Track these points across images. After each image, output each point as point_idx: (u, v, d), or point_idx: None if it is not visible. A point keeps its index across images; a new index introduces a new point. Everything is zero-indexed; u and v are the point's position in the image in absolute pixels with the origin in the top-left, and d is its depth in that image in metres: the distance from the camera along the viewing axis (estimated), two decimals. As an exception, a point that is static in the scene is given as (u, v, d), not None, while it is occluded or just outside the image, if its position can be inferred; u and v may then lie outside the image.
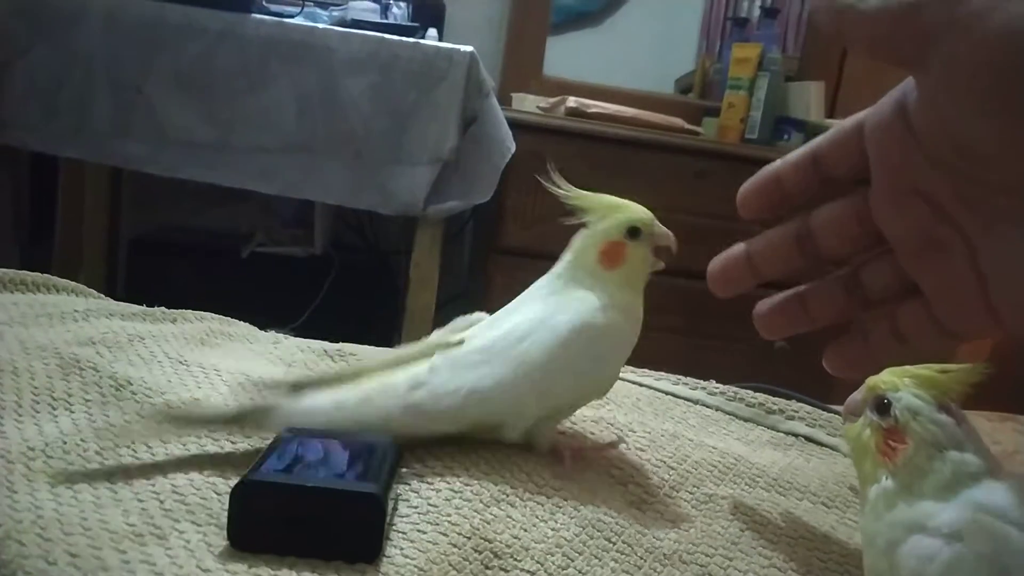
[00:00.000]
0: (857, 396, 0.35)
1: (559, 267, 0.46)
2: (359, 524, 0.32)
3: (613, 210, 0.45)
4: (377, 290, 1.52)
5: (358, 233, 1.77)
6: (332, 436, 0.41)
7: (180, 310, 0.62)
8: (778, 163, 0.38)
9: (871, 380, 0.34)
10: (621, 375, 0.64)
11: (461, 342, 0.44)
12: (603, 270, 0.44)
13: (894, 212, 0.33)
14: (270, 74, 1.28)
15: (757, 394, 0.58)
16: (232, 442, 0.41)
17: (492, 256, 1.48)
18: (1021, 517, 0.28)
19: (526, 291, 0.47)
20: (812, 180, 0.37)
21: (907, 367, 0.33)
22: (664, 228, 0.45)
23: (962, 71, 0.28)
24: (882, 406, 0.32)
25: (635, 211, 0.45)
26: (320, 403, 0.41)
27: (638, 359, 0.77)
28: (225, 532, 0.32)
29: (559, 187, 0.44)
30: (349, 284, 1.51)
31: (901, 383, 0.32)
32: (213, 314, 0.63)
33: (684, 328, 1.43)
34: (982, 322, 0.32)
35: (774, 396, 0.59)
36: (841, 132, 0.36)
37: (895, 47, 0.30)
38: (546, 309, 0.44)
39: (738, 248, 0.40)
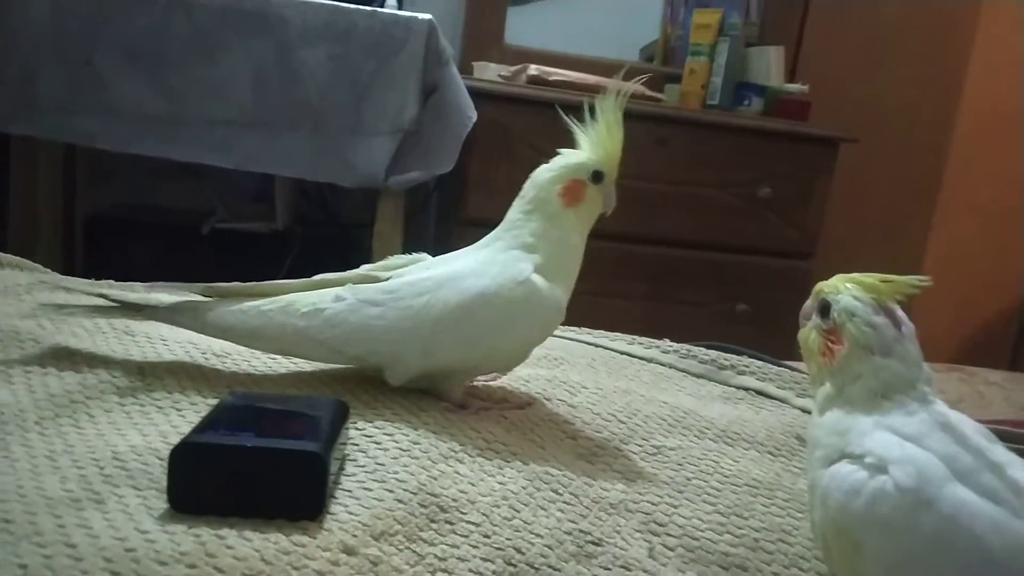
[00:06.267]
0: (808, 302, 0.35)
1: (518, 205, 0.46)
2: (301, 482, 0.32)
3: (597, 143, 0.45)
4: (341, 263, 1.50)
5: (320, 206, 1.75)
6: (277, 398, 0.41)
7: (129, 282, 0.61)
8: None
9: (819, 285, 0.34)
10: (577, 336, 0.64)
11: (379, 280, 0.45)
12: (563, 207, 0.45)
13: None
14: (224, 45, 1.25)
15: (709, 351, 0.59)
16: (178, 409, 0.41)
17: (457, 227, 1.47)
18: (937, 444, 0.29)
19: (480, 240, 0.47)
20: None
21: (853, 274, 0.33)
22: (613, 192, 0.46)
23: None
24: (825, 309, 0.33)
25: (606, 156, 0.45)
26: (228, 311, 0.43)
27: (601, 324, 0.78)
28: (166, 495, 0.32)
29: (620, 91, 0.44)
30: (312, 258, 1.49)
31: (843, 287, 0.33)
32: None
33: (647, 293, 1.44)
34: None
35: (726, 353, 0.60)
36: None
37: None
38: (471, 265, 0.44)
39: None
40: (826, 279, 0.34)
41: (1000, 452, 0.30)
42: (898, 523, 0.28)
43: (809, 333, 0.34)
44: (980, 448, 0.30)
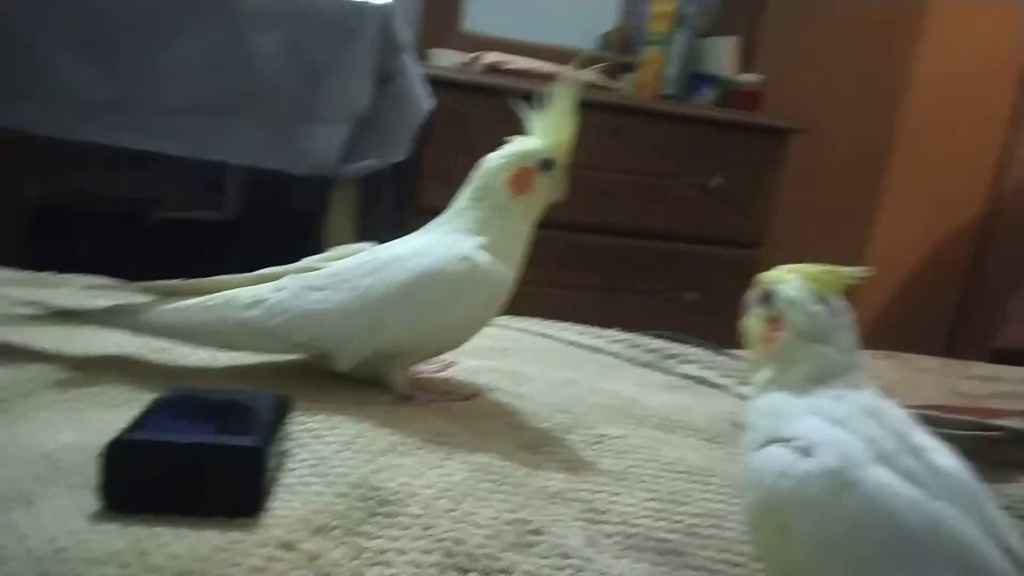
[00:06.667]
0: (751, 292, 0.36)
1: (466, 192, 0.46)
2: (237, 479, 0.32)
3: (548, 130, 0.45)
4: (293, 253, 1.49)
5: (273, 195, 1.72)
6: (215, 393, 0.40)
7: (69, 274, 0.60)
8: None
9: (761, 275, 0.35)
10: (526, 327, 0.65)
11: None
12: (511, 196, 0.45)
13: None
14: (174, 28, 1.22)
15: (655, 340, 0.60)
16: (115, 404, 0.40)
17: (412, 216, 1.47)
18: (861, 428, 0.30)
19: (425, 226, 0.47)
20: None
21: (795, 265, 0.34)
22: (563, 181, 0.46)
23: None
24: (767, 298, 0.34)
25: (556, 144, 0.45)
26: (167, 309, 0.43)
27: (553, 314, 0.78)
28: (100, 494, 0.32)
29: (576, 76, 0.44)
30: (263, 247, 1.47)
31: (785, 277, 0.34)
32: (105, 277, 0.61)
33: (601, 284, 1.45)
34: None
35: (672, 342, 0.61)
36: None
37: None
38: (415, 247, 0.44)
39: None
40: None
41: (921, 436, 0.32)
42: (823, 504, 0.29)
43: (751, 321, 0.35)
44: (902, 432, 0.31)
